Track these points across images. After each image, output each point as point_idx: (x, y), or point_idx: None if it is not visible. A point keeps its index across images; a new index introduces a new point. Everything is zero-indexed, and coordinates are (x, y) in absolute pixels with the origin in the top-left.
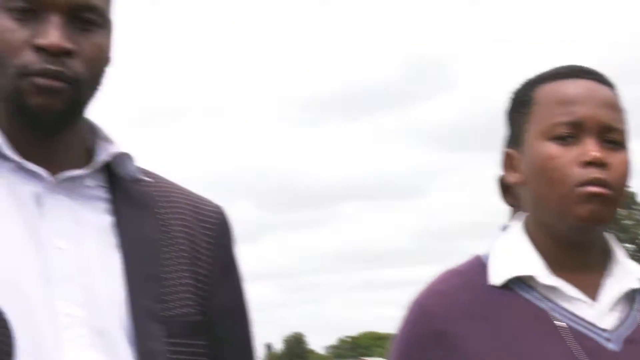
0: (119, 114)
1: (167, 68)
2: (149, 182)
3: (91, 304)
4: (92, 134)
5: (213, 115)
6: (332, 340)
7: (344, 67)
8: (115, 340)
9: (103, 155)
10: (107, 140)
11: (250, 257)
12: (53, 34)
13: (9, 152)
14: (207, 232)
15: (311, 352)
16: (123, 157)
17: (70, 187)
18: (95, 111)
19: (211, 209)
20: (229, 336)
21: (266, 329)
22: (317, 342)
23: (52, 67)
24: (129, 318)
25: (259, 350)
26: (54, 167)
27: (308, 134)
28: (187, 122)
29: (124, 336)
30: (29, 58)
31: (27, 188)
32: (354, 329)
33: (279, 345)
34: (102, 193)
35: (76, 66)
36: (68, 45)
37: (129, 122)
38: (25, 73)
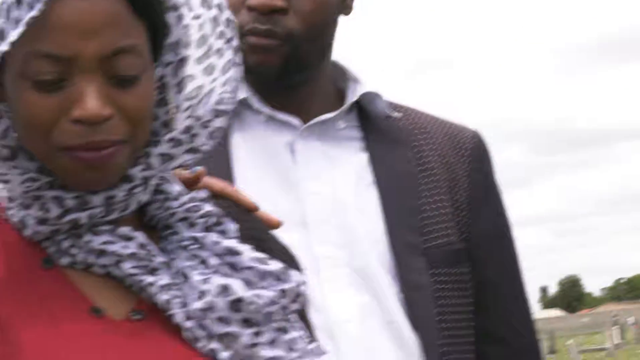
0: (395, 65)
1: (438, 19)
2: (400, 117)
3: (350, 244)
4: (342, 76)
5: (485, 63)
6: (609, 282)
7: (616, 11)
8: (377, 277)
9: (351, 96)
10: (355, 80)
11: (523, 202)
12: None
13: (259, 105)
14: (464, 159)
15: (587, 294)
16: (372, 96)
17: (322, 131)
18: (371, 63)
19: (467, 134)
20: (494, 260)
21: (541, 273)
22: (593, 285)
23: (260, 26)
24: (390, 253)
25: (534, 294)
26: (303, 114)
27: (581, 78)
28: (459, 70)
29: (386, 272)
30: (243, 18)
31: (279, 138)
32: (630, 271)
33: (554, 289)
34: (355, 132)
35: (289, 23)
36: (277, 2)
37: (404, 73)
38: (241, 33)
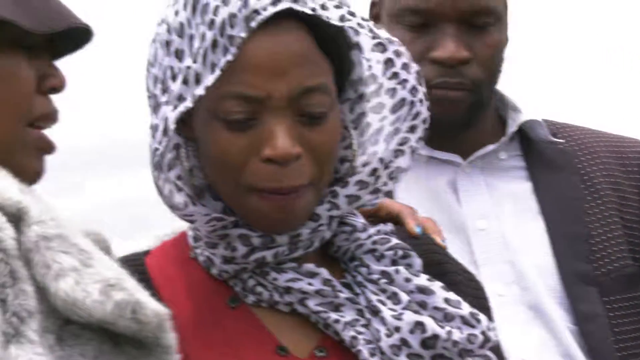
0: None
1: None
2: (562, 141)
3: (520, 280)
4: (503, 104)
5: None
6: None
7: None
8: (550, 311)
9: (512, 126)
10: (515, 109)
11: None
12: (448, 46)
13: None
14: (633, 176)
15: None
16: (532, 123)
17: (484, 164)
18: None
19: (634, 148)
20: None
21: None
22: None
23: (450, 80)
24: (560, 284)
25: None
26: (463, 149)
27: None
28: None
29: (558, 305)
30: (427, 71)
31: (441, 177)
32: None
33: None
34: (518, 162)
35: (473, 72)
36: (463, 54)
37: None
38: (428, 86)
